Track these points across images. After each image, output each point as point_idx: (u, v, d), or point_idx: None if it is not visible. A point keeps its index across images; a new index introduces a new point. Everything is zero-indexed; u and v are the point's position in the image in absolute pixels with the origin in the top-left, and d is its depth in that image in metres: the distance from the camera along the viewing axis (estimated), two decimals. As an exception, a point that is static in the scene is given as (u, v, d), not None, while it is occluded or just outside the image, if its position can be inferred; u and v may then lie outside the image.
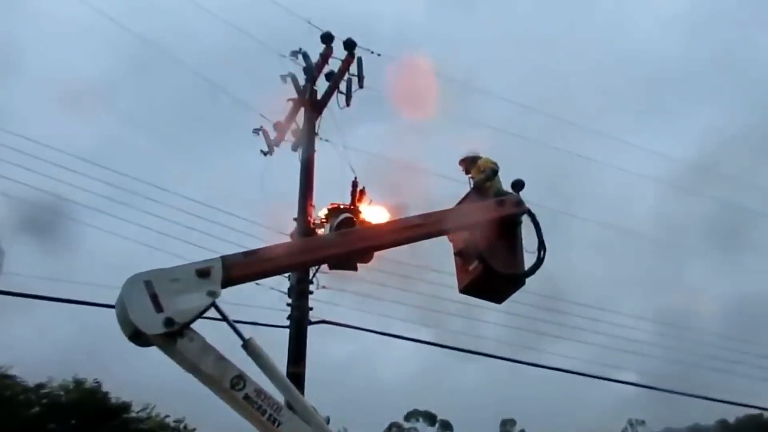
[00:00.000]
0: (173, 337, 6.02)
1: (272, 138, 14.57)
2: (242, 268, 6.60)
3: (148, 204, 12.89)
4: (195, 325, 6.20)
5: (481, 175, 9.50)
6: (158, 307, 6.02)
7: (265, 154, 14.45)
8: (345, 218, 11.81)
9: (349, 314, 13.19)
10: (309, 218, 12.88)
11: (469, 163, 9.80)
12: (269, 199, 12.89)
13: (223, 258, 6.49)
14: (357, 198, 12.61)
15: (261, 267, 6.82)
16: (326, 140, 13.81)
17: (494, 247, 8.46)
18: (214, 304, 6.30)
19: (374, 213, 12.18)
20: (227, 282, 6.44)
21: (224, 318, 6.40)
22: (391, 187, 12.17)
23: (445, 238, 8.89)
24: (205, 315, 6.25)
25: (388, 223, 9.07)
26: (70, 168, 12.43)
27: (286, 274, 12.73)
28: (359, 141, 13.94)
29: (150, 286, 6.08)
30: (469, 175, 9.67)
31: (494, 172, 9.39)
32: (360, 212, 12.32)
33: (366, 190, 12.66)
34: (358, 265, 11.71)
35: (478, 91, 16.21)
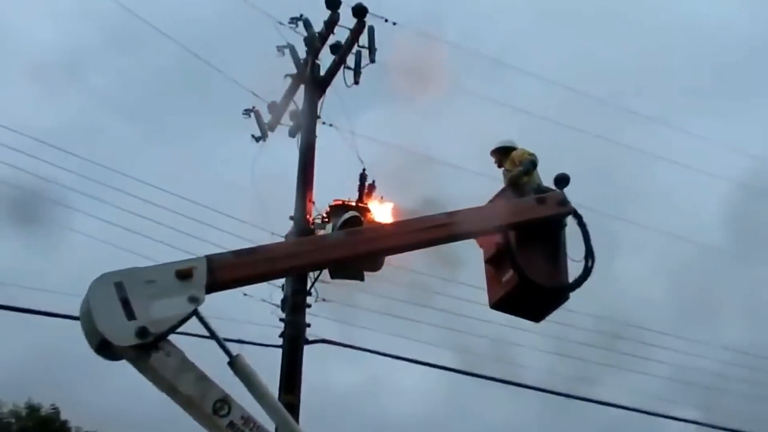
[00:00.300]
0: (147, 350, 5.94)
1: (266, 121, 14.56)
2: (231, 270, 6.52)
3: (119, 197, 12.96)
4: (173, 337, 6.13)
5: (518, 168, 9.49)
6: (130, 314, 5.93)
7: (257, 139, 14.42)
8: (351, 217, 11.82)
9: (355, 333, 13.21)
10: (308, 217, 12.85)
11: (503, 155, 9.83)
12: (261, 193, 12.77)
13: (209, 258, 6.39)
14: (365, 193, 12.66)
15: (253, 270, 6.76)
16: (330, 124, 13.79)
17: (533, 255, 8.52)
18: (196, 313, 6.22)
19: (386, 211, 12.29)
20: (213, 286, 6.35)
21: (208, 330, 6.32)
22: (406, 182, 12.21)
23: (473, 242, 8.97)
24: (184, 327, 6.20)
25: (404, 222, 8.95)
26: (30, 153, 12.51)
27: (280, 283, 12.77)
28: (369, 126, 14.01)
29: (121, 289, 6.00)
30: (503, 168, 9.68)
31: (533, 164, 9.42)
32: (369, 210, 12.37)
33: (376, 184, 12.71)
34: (366, 273, 11.74)
35: (513, 70, 15.82)
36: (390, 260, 11.10)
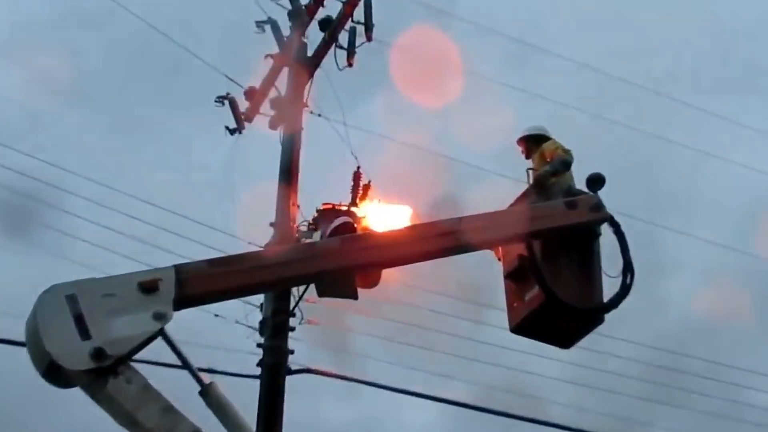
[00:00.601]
0: (103, 375, 5.87)
1: (243, 110, 14.66)
2: (204, 282, 6.54)
3: (71, 201, 13.07)
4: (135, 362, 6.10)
5: (545, 166, 9.50)
6: (84, 333, 5.86)
7: (231, 132, 14.51)
8: (342, 223, 11.83)
9: (347, 361, 13.31)
10: (292, 223, 12.92)
11: (532, 144, 9.88)
12: (236, 195, 12.94)
13: (178, 267, 6.41)
14: (360, 196, 12.69)
15: (231, 282, 6.72)
16: (318, 114, 13.84)
17: (561, 269, 8.56)
18: (162, 332, 6.17)
19: (384, 216, 12.29)
20: (182, 301, 6.34)
21: (176, 352, 6.30)
22: (409, 182, 12.64)
23: (489, 254, 9.00)
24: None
25: (408, 229, 9.00)
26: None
27: (258, 301, 12.78)
28: (365, 117, 14.48)
29: (74, 303, 5.93)
30: (530, 160, 9.76)
31: (565, 165, 9.48)
32: (363, 216, 12.38)
33: (372, 184, 12.75)
34: (361, 291, 11.68)
35: (537, 52, 16.23)
36: (389, 275, 11.19)
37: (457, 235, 7.73)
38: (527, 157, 9.90)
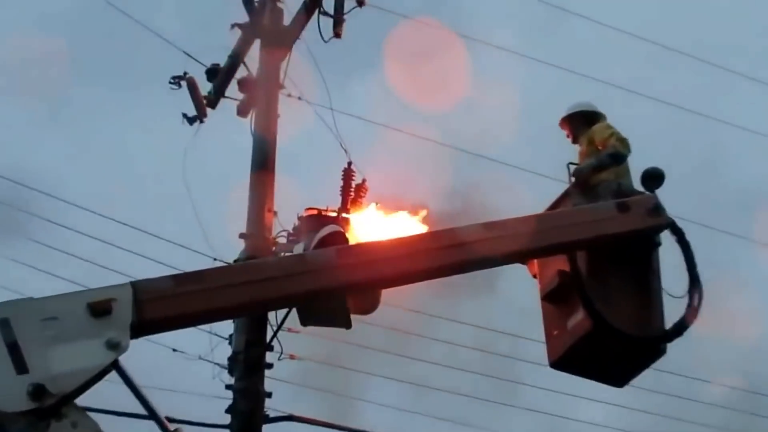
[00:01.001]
0: (44, 418, 5.84)
1: (204, 94, 14.76)
2: (168, 304, 6.62)
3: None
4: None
5: (590, 159, 9.63)
6: (20, 366, 5.89)
7: (190, 120, 14.61)
8: (331, 233, 11.81)
9: (338, 406, 13.30)
10: (267, 234, 12.93)
11: (579, 124, 10.00)
12: (197, 200, 12.96)
13: (136, 285, 6.50)
14: (352, 198, 12.77)
15: (200, 304, 6.83)
16: (299, 97, 13.89)
17: (612, 288, 8.64)
18: (116, 366, 6.22)
19: (383, 224, 12.42)
20: (141, 326, 6.41)
21: (133, 390, 6.35)
22: (413, 181, 12.74)
23: (521, 269, 9.04)
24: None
25: (418, 237, 9.11)
26: None
27: (226, 332, 12.84)
28: (356, 100, 14.95)
29: (7, 328, 5.98)
30: (577, 146, 9.88)
31: (615, 158, 9.56)
32: (355, 224, 12.45)
33: (367, 184, 12.86)
34: (354, 317, 11.75)
35: (572, 18, 16.26)
36: (388, 297, 11.36)
37: (481, 245, 7.77)
38: (574, 141, 10.02)
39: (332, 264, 7.56)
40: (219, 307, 7.11)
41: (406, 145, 13.92)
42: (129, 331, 6.31)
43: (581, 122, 10.04)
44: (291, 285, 7.30)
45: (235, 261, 12.51)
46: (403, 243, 8.43)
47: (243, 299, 7.18)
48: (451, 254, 7.73)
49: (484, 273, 8.48)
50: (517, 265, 8.84)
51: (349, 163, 12.99)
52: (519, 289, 9.88)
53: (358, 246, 10.35)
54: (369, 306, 11.46)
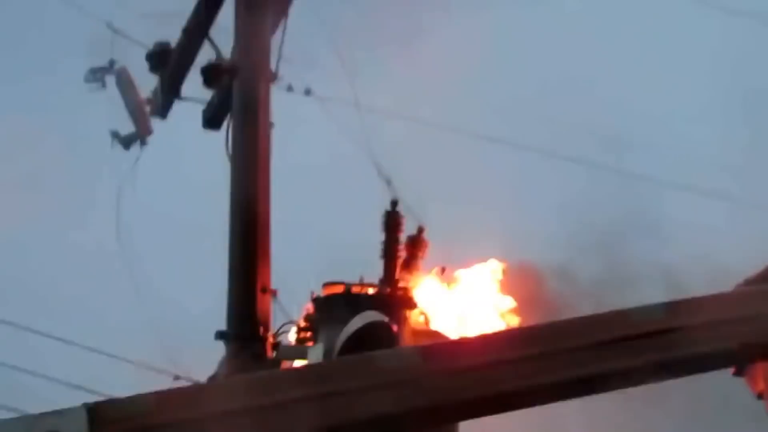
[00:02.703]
0: None
1: (148, 95, 12.35)
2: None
3: None
4: None
5: None
6: None
7: (125, 142, 12.23)
8: (370, 324, 9.71)
9: None
10: (263, 331, 10.65)
11: None
12: (143, 279, 11.21)
13: (92, 409, 5.67)
14: (406, 257, 10.53)
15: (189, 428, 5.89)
16: (306, 91, 11.70)
17: None
18: None
19: (454, 303, 10.77)
20: None
21: None
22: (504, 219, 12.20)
23: (733, 383, 7.77)
24: None
25: (552, 327, 6.81)
26: None
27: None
28: (386, 89, 12.07)
29: None
30: None
31: None
32: (416, 303, 10.37)
33: (426, 227, 10.58)
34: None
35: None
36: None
37: (666, 341, 6.41)
38: None
39: (418, 373, 6.18)
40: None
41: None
42: None
43: None
44: (359, 405, 6.02)
45: (210, 377, 10.83)
46: (526, 336, 6.98)
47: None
48: (614, 358, 6.25)
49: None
50: (726, 377, 7.47)
51: (394, 203, 10.41)
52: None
53: (451, 344, 8.51)
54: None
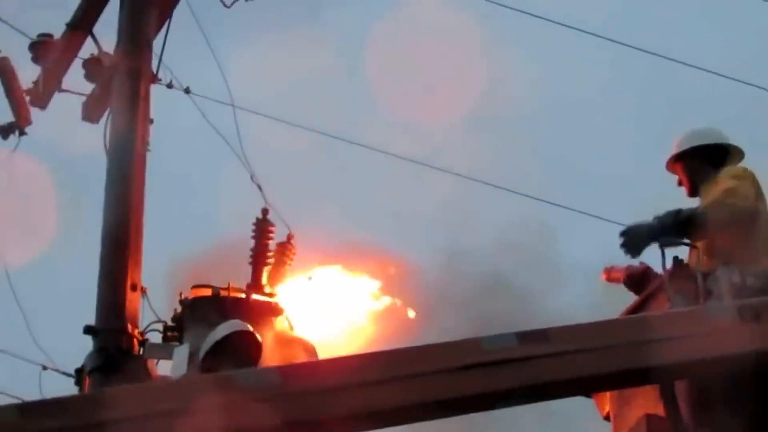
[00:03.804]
0: None
1: (29, 86, 12.24)
2: None
3: None
4: None
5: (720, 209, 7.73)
6: None
7: (4, 132, 12.17)
8: (234, 333, 9.49)
9: None
10: (132, 328, 10.51)
11: (700, 167, 8.17)
12: (14, 269, 11.06)
13: None
14: (275, 262, 10.58)
15: None
16: (186, 90, 11.78)
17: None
18: None
19: (321, 313, 10.76)
20: None
21: None
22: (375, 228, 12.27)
23: (584, 405, 8.00)
24: None
25: (408, 352, 6.71)
26: None
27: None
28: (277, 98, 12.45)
29: None
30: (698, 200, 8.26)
31: (731, 220, 7.81)
32: (281, 309, 10.35)
33: (294, 233, 10.64)
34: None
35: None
36: None
37: (520, 367, 6.38)
38: (690, 194, 8.35)
39: (274, 391, 6.19)
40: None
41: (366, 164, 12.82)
42: None
43: (702, 163, 8.25)
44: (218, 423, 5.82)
45: (77, 370, 10.48)
46: (382, 360, 6.69)
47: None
48: (469, 382, 6.31)
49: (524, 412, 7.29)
50: (578, 401, 7.55)
51: (265, 212, 10.51)
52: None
53: (310, 365, 8.59)
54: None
